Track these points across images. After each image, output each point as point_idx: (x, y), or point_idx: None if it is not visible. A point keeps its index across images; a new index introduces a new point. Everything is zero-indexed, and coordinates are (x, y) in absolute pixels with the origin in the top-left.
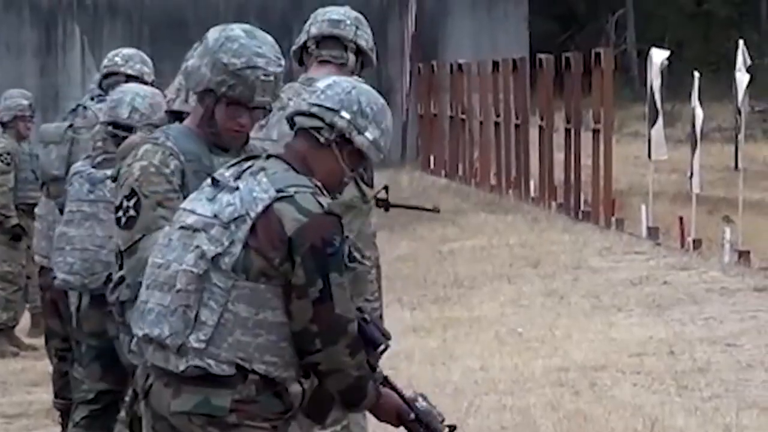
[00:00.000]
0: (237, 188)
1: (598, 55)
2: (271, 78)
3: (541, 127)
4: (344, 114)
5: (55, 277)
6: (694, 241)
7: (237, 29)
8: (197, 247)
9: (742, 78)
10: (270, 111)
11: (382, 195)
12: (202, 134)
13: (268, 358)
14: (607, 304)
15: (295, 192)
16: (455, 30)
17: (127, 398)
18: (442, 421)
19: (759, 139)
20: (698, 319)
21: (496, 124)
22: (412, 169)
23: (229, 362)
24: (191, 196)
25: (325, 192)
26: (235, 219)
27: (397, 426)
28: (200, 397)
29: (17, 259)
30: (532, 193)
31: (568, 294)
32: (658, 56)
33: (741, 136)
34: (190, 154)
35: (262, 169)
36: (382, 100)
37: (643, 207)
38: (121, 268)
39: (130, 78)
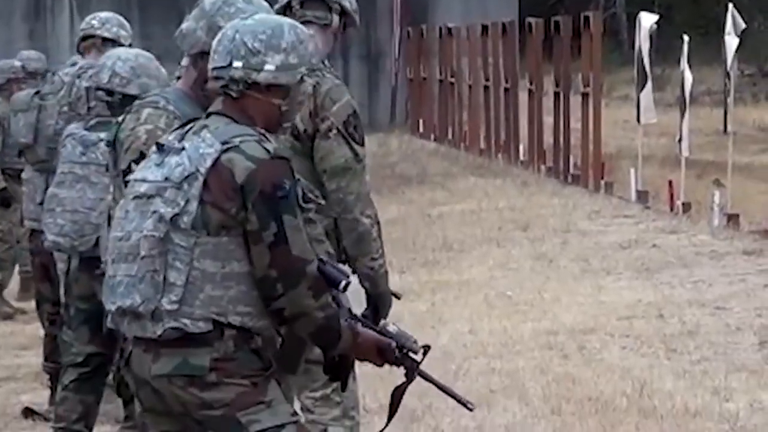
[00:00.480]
0: (183, 148)
1: (587, 18)
2: None
3: (530, 91)
4: (236, 64)
5: (45, 240)
6: (683, 204)
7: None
8: (154, 212)
9: (732, 42)
10: None
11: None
12: (195, 97)
13: (241, 308)
14: (596, 267)
15: (240, 142)
16: None
17: (115, 362)
18: (415, 342)
19: (748, 103)
20: (687, 283)
21: (486, 87)
22: (402, 133)
23: (204, 319)
24: (140, 165)
25: (269, 138)
26: (187, 177)
27: (380, 364)
28: (179, 359)
29: (7, 218)
30: (521, 157)
31: (557, 257)
32: (647, 20)
33: (730, 100)
34: (189, 118)
35: (204, 126)
36: (271, 22)
37: (632, 171)
38: None
39: (106, 41)
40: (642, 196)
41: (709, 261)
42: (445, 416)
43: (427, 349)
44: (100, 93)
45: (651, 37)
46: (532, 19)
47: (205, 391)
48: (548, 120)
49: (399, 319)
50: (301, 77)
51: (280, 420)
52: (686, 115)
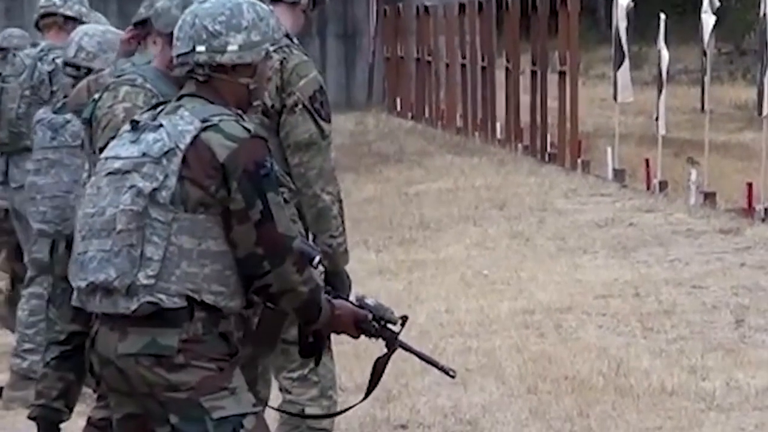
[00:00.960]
0: (160, 125)
1: None
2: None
3: (507, 69)
4: (199, 48)
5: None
6: (660, 183)
7: None
8: (132, 186)
9: (708, 20)
10: None
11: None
12: (172, 75)
13: (215, 287)
14: (573, 246)
15: (220, 120)
16: None
17: None
18: (392, 313)
19: (725, 81)
20: (664, 261)
21: (463, 66)
22: (379, 112)
23: (179, 294)
24: (110, 145)
25: (246, 118)
26: (166, 153)
27: (356, 336)
28: (147, 338)
29: None
30: (498, 135)
31: (534, 236)
32: None
33: (707, 78)
34: (166, 96)
35: (179, 107)
36: (229, 5)
37: (609, 149)
38: None
39: (68, 19)
40: (619, 174)
41: (686, 239)
42: (421, 396)
43: (404, 319)
44: (69, 69)
45: (628, 15)
46: None
47: (172, 373)
48: (525, 98)
49: (376, 297)
50: (267, 53)
51: (242, 409)
52: (663, 93)
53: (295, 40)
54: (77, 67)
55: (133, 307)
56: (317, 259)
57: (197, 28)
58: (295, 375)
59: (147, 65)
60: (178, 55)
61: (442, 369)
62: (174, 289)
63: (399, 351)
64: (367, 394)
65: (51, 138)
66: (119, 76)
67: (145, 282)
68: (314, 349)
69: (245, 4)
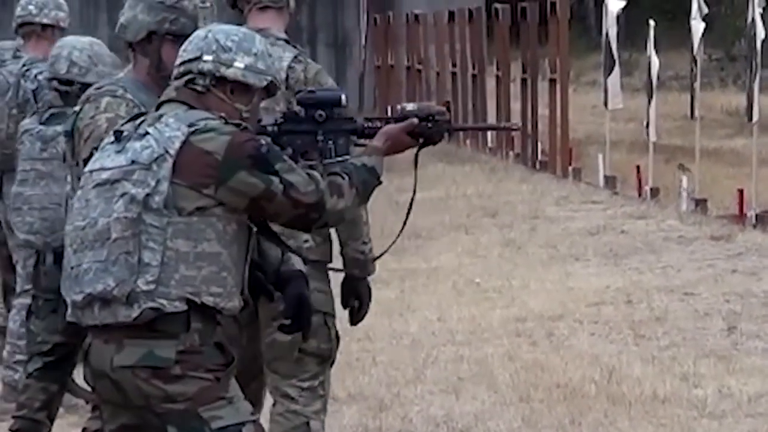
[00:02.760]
0: (146, 133)
1: (553, 4)
2: (208, 4)
3: (497, 77)
4: (206, 57)
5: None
6: (651, 189)
7: None
8: (124, 194)
9: (698, 26)
10: None
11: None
12: (151, 85)
13: (213, 289)
14: (565, 253)
15: (206, 123)
16: None
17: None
18: (433, 105)
19: (716, 88)
20: (656, 268)
21: (453, 74)
22: None
23: (180, 298)
24: (93, 157)
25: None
26: (156, 159)
27: (417, 143)
28: (144, 350)
29: None
30: (489, 143)
31: (526, 244)
32: (614, 5)
33: (697, 85)
34: (147, 106)
35: (160, 115)
36: (243, 30)
37: (600, 156)
38: None
39: (46, 27)
40: (610, 181)
41: (678, 246)
42: (414, 405)
43: (447, 104)
44: (55, 83)
45: (618, 22)
46: (498, 5)
47: (169, 384)
48: (516, 106)
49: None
50: (266, 86)
51: (241, 418)
52: (653, 100)
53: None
54: (69, 83)
55: (135, 314)
56: (343, 98)
57: (209, 40)
58: (305, 384)
59: (125, 76)
60: (183, 62)
61: (504, 128)
62: (174, 293)
63: None
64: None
65: (41, 149)
66: (99, 88)
67: (145, 288)
68: (301, 314)
69: (258, 36)
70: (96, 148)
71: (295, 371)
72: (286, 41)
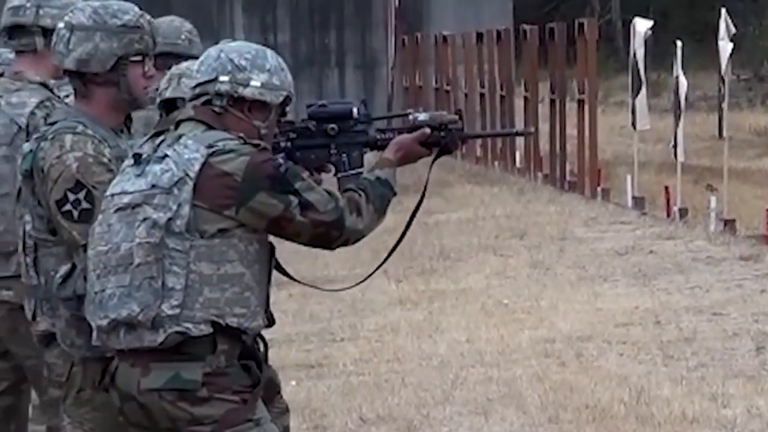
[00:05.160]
0: (165, 156)
1: (582, 25)
2: (149, 19)
3: (525, 98)
4: (222, 78)
5: None
6: (679, 210)
7: (91, 2)
8: (145, 219)
9: (726, 47)
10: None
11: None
12: (109, 116)
13: (237, 310)
14: (593, 274)
15: (224, 144)
16: (439, 2)
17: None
18: (446, 114)
19: (744, 108)
20: (684, 289)
21: (481, 95)
22: None
23: (205, 321)
24: (114, 181)
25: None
26: (176, 183)
27: (430, 153)
28: (171, 373)
29: None
30: (517, 165)
31: (554, 265)
32: (642, 26)
33: (725, 105)
34: (110, 140)
35: (180, 135)
36: (255, 46)
37: (629, 177)
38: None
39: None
40: (638, 202)
41: (706, 267)
42: (443, 426)
43: (459, 113)
44: None
45: (646, 42)
46: (526, 26)
47: (196, 406)
48: (544, 127)
49: (396, 328)
50: (283, 100)
51: None
52: (681, 120)
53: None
54: None
55: (160, 339)
56: (355, 110)
57: (222, 60)
58: None
59: (75, 110)
60: (198, 84)
61: (518, 134)
62: (199, 316)
63: None
64: (421, 198)
65: None
66: (51, 124)
67: (170, 312)
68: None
69: (269, 51)
70: (70, 189)
71: None
72: (43, 84)
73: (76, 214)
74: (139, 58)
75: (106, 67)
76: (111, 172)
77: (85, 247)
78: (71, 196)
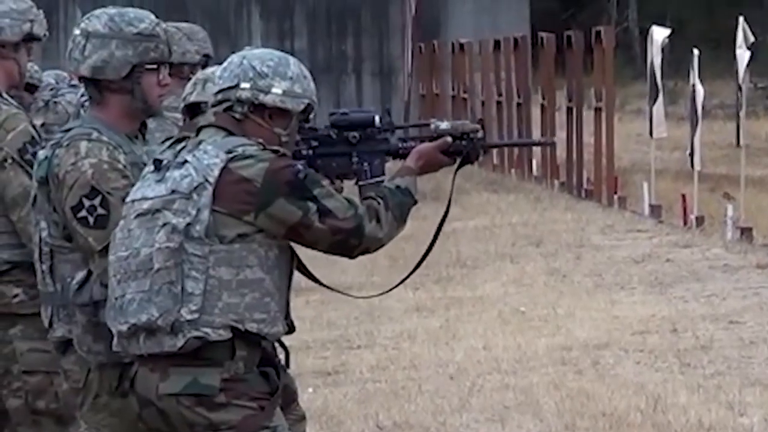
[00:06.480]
0: (185, 161)
1: (599, 33)
2: (170, 30)
3: (542, 106)
4: (244, 85)
5: None
6: (696, 218)
7: (109, 8)
8: (165, 224)
9: (743, 55)
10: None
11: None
12: (123, 123)
13: (257, 315)
14: (610, 282)
15: (244, 149)
16: (456, 9)
17: None
18: (467, 123)
19: (761, 116)
20: (701, 297)
21: (498, 103)
22: None
23: (224, 326)
24: (135, 186)
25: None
26: (196, 188)
27: (453, 162)
28: (189, 378)
29: None
30: (534, 172)
31: (571, 273)
32: (660, 34)
33: (742, 113)
34: (124, 146)
35: (200, 141)
36: (278, 54)
37: (646, 185)
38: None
39: None
40: (655, 210)
41: (723, 275)
42: None
43: (481, 122)
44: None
45: (663, 50)
46: (544, 34)
47: (213, 412)
48: (561, 135)
49: (413, 335)
50: (305, 108)
51: None
52: (698, 128)
53: (4, 94)
54: None
55: (180, 343)
56: (377, 119)
57: (245, 67)
58: None
59: (89, 117)
60: (220, 91)
61: (539, 144)
62: (218, 321)
63: None
64: (447, 209)
65: None
66: (67, 131)
67: (189, 317)
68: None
69: (292, 59)
70: (85, 196)
71: None
72: None
73: (91, 220)
74: (154, 66)
75: (121, 74)
76: (126, 178)
77: (100, 253)
78: (87, 203)
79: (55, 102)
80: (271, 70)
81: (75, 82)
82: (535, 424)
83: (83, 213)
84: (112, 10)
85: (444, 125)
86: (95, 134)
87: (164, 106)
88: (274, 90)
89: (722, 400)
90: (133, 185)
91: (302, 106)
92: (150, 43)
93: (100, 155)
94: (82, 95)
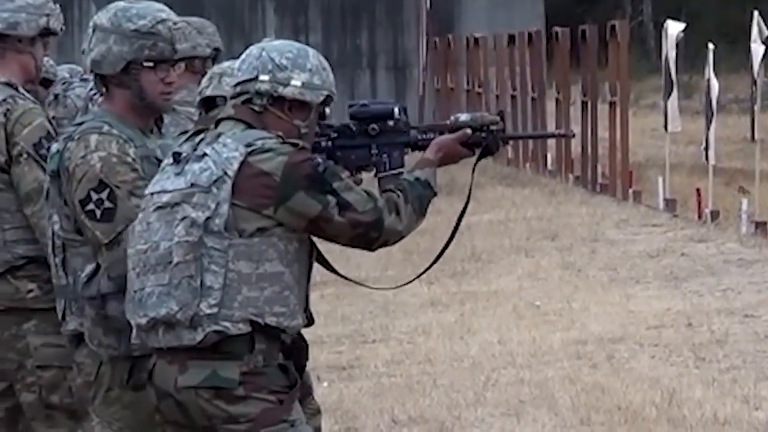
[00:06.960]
0: (204, 154)
1: (613, 27)
2: (179, 26)
3: (557, 100)
4: (263, 77)
5: None
6: (711, 212)
7: (120, 2)
8: (184, 218)
9: (758, 49)
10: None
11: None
12: (131, 117)
13: (277, 309)
14: (625, 276)
15: (263, 143)
16: (470, 4)
17: None
18: (486, 115)
19: None
20: (716, 291)
21: (513, 97)
22: None
23: (243, 320)
24: (154, 179)
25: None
26: (215, 181)
27: (473, 153)
28: (208, 371)
29: None
30: (549, 166)
31: (586, 267)
32: (674, 28)
33: (757, 107)
34: (136, 140)
35: (219, 134)
36: (297, 45)
37: (660, 179)
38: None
39: None
40: (670, 204)
41: (738, 269)
42: (474, 428)
43: (501, 114)
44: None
45: (677, 45)
46: (558, 28)
47: (232, 405)
48: (576, 129)
49: (428, 330)
50: (324, 99)
51: None
52: (713, 123)
53: (20, 88)
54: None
55: (199, 337)
56: (396, 111)
57: (263, 59)
58: None
59: (101, 111)
60: (238, 83)
61: (559, 135)
62: (238, 315)
63: None
64: (467, 202)
65: None
66: (79, 124)
67: (208, 311)
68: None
69: (311, 51)
70: (94, 189)
71: (48, 429)
72: (8, 84)
73: (98, 213)
74: (151, 64)
75: (116, 69)
76: (135, 171)
77: (108, 246)
78: (94, 196)
79: (65, 96)
80: (290, 62)
81: (87, 76)
82: (550, 418)
83: (91, 206)
84: (121, 4)
85: (464, 117)
86: (106, 128)
87: (176, 101)
88: (293, 82)
89: (737, 394)
90: (143, 179)
91: (321, 98)
92: (147, 41)
93: (110, 148)
94: (91, 89)
